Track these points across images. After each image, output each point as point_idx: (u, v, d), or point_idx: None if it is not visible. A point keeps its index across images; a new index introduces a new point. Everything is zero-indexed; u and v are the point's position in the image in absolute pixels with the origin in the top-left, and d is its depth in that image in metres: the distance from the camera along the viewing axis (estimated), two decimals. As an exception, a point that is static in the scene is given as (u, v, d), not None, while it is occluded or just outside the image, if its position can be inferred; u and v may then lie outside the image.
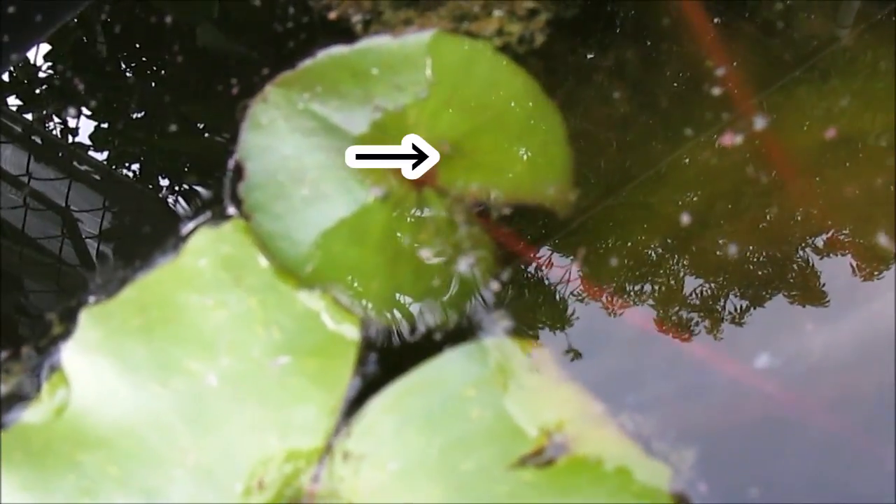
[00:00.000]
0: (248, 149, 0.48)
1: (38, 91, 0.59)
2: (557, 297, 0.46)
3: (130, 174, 0.56)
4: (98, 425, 0.41)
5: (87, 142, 0.57)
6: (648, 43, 0.53)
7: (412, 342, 0.43)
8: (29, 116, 0.59)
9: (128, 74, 0.59)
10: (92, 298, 0.46)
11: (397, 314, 0.44)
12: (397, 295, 0.44)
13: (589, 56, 0.53)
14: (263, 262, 0.45)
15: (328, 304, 0.44)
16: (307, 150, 0.48)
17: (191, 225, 0.48)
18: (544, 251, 0.47)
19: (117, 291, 0.45)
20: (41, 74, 0.59)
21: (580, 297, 0.45)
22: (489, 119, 0.49)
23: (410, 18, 0.53)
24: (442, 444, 0.39)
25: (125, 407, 0.42)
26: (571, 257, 0.46)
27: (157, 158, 0.56)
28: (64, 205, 0.56)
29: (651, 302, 0.45)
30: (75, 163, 0.57)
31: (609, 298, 0.45)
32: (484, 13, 0.52)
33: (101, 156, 0.57)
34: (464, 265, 0.45)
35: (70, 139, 0.58)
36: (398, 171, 0.47)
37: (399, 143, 0.48)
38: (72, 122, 0.58)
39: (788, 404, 0.40)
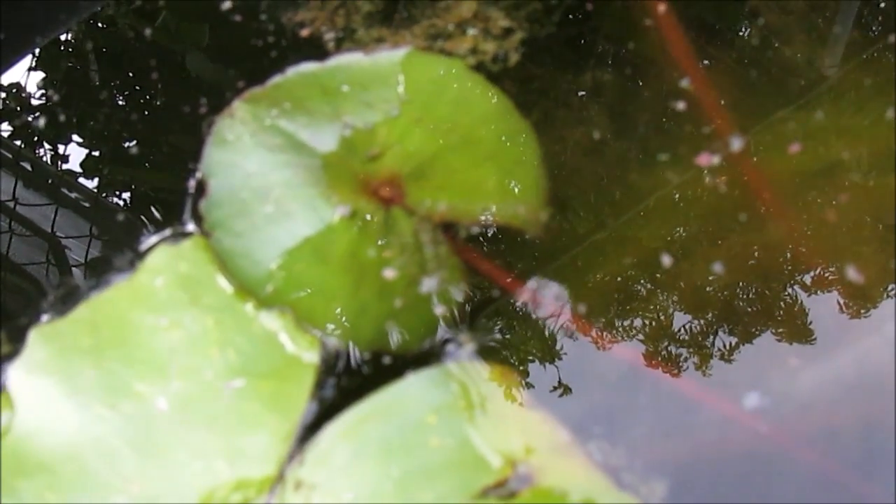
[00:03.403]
0: (212, 165, 0.47)
1: (30, 118, 0.58)
2: (525, 324, 0.44)
3: (121, 202, 0.55)
4: (40, 450, 0.39)
5: (78, 169, 0.56)
6: (625, 65, 0.52)
7: (373, 366, 0.41)
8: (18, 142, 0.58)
9: (121, 102, 0.58)
10: (45, 317, 0.44)
11: (359, 337, 0.42)
12: (360, 317, 0.43)
13: (564, 76, 0.52)
14: (222, 281, 0.43)
15: (287, 326, 0.42)
16: (273, 167, 0.46)
17: (150, 241, 0.46)
18: (510, 277, 0.45)
19: (70, 310, 0.43)
20: (34, 102, 0.58)
21: (549, 325, 0.44)
22: (460, 138, 0.47)
23: (383, 37, 0.52)
24: (399, 474, 0.37)
25: (69, 431, 0.40)
26: (538, 286, 0.45)
27: (141, 185, 0.55)
28: (50, 230, 0.54)
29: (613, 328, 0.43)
30: (64, 189, 0.56)
31: (578, 325, 0.43)
32: (458, 32, 0.51)
33: (92, 183, 0.56)
34: (429, 286, 0.43)
35: (60, 166, 0.57)
36: (366, 189, 0.46)
37: (367, 161, 0.47)
38: (61, 149, 0.57)
39: (765, 437, 0.38)
